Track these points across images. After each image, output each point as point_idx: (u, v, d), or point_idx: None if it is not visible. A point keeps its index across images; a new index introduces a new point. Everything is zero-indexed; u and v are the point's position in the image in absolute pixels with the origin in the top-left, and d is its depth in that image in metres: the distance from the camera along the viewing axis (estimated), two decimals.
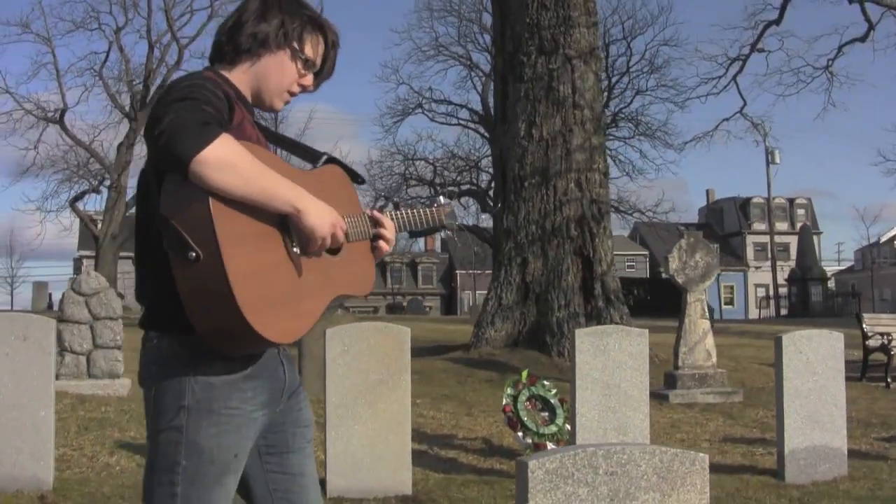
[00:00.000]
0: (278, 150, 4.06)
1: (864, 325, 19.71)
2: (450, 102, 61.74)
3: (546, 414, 10.77)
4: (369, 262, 3.84)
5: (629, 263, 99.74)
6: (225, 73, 3.62)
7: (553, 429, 10.50)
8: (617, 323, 18.90)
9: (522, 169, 19.60)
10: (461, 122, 61.75)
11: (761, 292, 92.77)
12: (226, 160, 3.10)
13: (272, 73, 3.66)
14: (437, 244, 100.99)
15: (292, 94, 3.77)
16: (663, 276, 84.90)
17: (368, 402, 8.99)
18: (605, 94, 59.63)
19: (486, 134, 60.45)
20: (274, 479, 3.68)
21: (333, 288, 3.59)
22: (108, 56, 54.86)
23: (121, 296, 59.00)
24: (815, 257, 65.52)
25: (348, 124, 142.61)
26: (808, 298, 60.85)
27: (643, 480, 3.77)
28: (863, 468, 10.57)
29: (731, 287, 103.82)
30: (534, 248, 19.39)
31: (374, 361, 9.06)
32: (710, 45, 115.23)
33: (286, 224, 3.33)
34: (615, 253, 70.46)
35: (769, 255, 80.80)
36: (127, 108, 54.55)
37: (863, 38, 32.27)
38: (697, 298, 16.05)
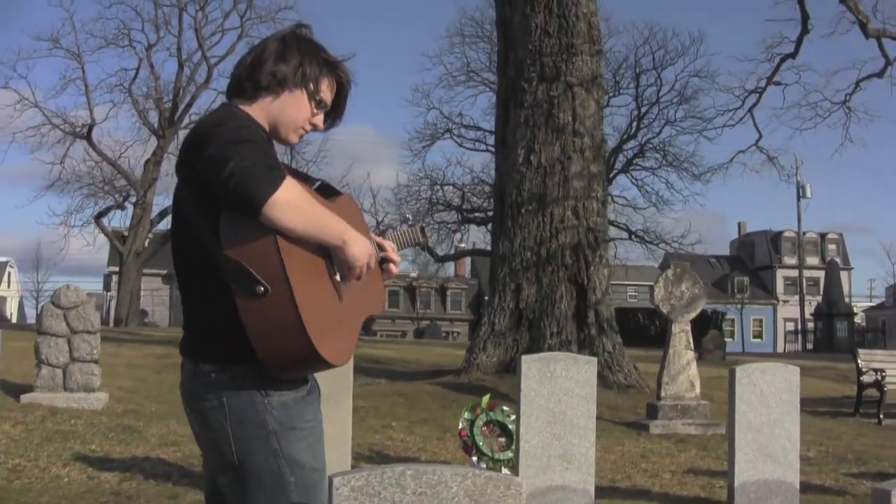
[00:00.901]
0: None
1: (858, 361, 19.64)
2: (479, 128, 61.99)
3: (504, 440, 10.74)
4: (380, 282, 4.21)
5: None
6: (245, 108, 3.86)
7: (509, 454, 10.45)
8: (609, 352, 18.93)
9: (520, 195, 19.58)
10: (490, 148, 61.86)
11: (790, 326, 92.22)
12: (293, 202, 3.43)
13: (289, 109, 3.90)
14: (467, 270, 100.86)
15: (305, 131, 4.01)
16: (718, 310, 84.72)
17: None
18: (635, 123, 59.76)
19: None
20: None
21: (363, 309, 4.00)
22: (137, 73, 55.30)
23: (144, 313, 59.21)
24: (841, 293, 65.27)
25: (383, 146, 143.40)
26: (834, 334, 60.65)
27: (453, 502, 3.76)
28: (817, 503, 10.49)
29: (760, 321, 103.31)
30: (528, 275, 19.35)
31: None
32: (729, 76, 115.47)
33: (327, 253, 3.66)
34: (646, 283, 70.36)
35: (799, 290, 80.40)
36: (155, 126, 54.87)
37: (880, 74, 32.08)
38: (682, 329, 15.96)
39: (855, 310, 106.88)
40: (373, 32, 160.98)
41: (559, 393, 9.44)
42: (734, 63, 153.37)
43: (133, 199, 54.89)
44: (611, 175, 60.52)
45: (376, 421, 14.34)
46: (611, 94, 60.69)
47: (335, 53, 4.09)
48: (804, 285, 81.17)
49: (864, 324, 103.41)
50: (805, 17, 30.38)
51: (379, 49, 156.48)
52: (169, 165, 54.87)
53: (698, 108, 59.22)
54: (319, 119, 4.03)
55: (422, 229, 4.60)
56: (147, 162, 54.35)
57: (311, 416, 3.86)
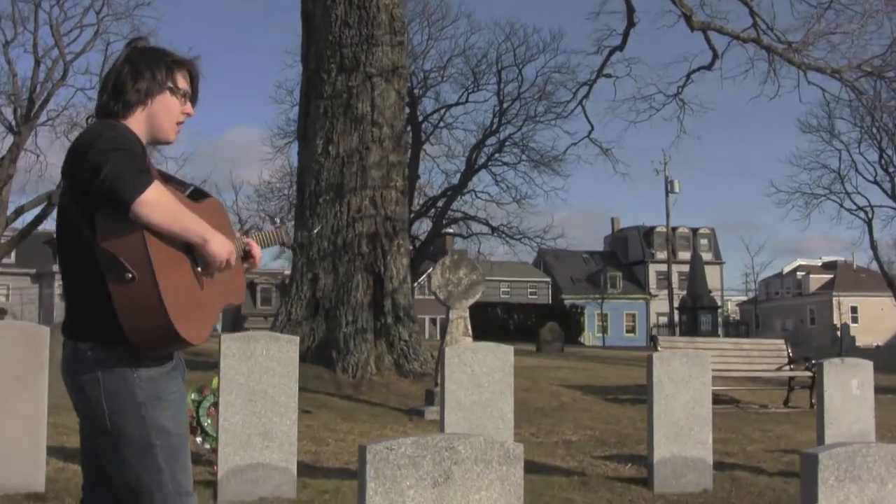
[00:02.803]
0: None
1: (658, 348, 19.90)
2: None
3: None
4: (243, 275, 4.83)
5: (532, 290, 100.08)
6: (126, 123, 4.44)
7: None
8: (406, 341, 19.07)
9: (318, 185, 19.62)
10: None
11: (663, 320, 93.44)
12: (158, 202, 4.03)
13: (162, 113, 4.54)
14: None
15: (180, 124, 4.66)
16: (565, 302, 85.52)
17: (1, 398, 9.01)
18: (496, 119, 60.08)
19: None
20: None
21: (224, 298, 4.57)
22: None
23: (2, 311, 58.36)
24: (705, 286, 65.98)
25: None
26: (698, 327, 61.29)
27: None
28: (535, 480, 10.70)
29: (634, 315, 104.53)
30: (325, 264, 19.36)
31: (10, 360, 9.07)
32: (586, 70, 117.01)
33: (191, 249, 4.25)
34: (518, 279, 70.82)
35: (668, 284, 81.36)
36: (11, 123, 53.98)
37: (709, 67, 32.49)
38: (460, 315, 16.11)
39: (729, 304, 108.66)
40: (233, 29, 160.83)
41: (260, 371, 9.51)
42: (572, 56, 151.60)
43: None
44: (473, 170, 60.96)
45: None
46: (470, 90, 61.11)
47: (180, 53, 4.75)
48: (674, 280, 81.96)
49: (738, 317, 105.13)
50: (630, 10, 30.83)
51: (241, 46, 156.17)
52: (26, 162, 54.14)
53: (558, 102, 59.36)
54: (189, 107, 4.65)
55: (286, 231, 5.20)
56: (2, 159, 53.38)
57: (175, 389, 4.41)
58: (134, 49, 4.61)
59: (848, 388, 11.71)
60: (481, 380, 10.21)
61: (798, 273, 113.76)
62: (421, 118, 61.09)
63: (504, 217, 61.23)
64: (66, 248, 4.37)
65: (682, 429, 10.69)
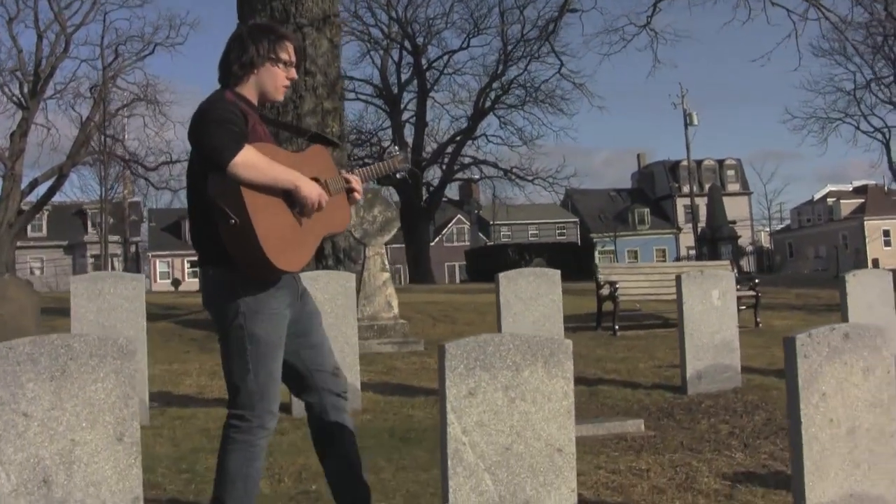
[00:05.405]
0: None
1: (597, 276, 20.23)
2: (350, 78, 61.98)
3: None
4: (346, 207, 5.76)
5: (560, 230, 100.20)
6: (238, 90, 5.53)
7: None
8: None
9: None
10: (360, 97, 62.09)
11: (694, 253, 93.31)
12: (249, 162, 5.07)
13: (266, 79, 5.57)
14: None
15: (286, 87, 5.67)
16: (594, 241, 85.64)
17: None
18: (502, 62, 60.21)
19: (387, 108, 60.94)
20: (306, 354, 5.62)
21: (323, 229, 5.54)
22: None
23: (30, 284, 58.57)
24: (724, 217, 65.86)
25: None
26: (718, 257, 61.24)
27: None
28: (381, 402, 11.42)
29: (664, 250, 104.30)
30: None
31: None
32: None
33: (289, 196, 5.27)
34: (546, 221, 70.24)
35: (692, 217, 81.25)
36: (19, 98, 54.55)
37: None
38: (377, 252, 16.62)
39: (763, 233, 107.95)
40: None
41: (108, 308, 10.18)
42: None
43: (1, 172, 54.51)
44: (482, 113, 61.20)
45: None
46: (471, 35, 61.26)
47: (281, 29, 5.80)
48: (702, 212, 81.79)
49: (771, 247, 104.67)
50: None
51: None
52: (37, 136, 54.78)
53: (561, 42, 59.39)
54: (292, 72, 5.66)
55: (398, 159, 6.26)
56: (13, 134, 53.89)
57: (275, 306, 5.41)
58: (244, 28, 5.66)
59: (709, 299, 12.01)
60: (324, 306, 10.68)
61: (829, 199, 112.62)
62: (426, 65, 61.41)
63: (516, 159, 61.51)
64: (193, 199, 5.48)
65: None
